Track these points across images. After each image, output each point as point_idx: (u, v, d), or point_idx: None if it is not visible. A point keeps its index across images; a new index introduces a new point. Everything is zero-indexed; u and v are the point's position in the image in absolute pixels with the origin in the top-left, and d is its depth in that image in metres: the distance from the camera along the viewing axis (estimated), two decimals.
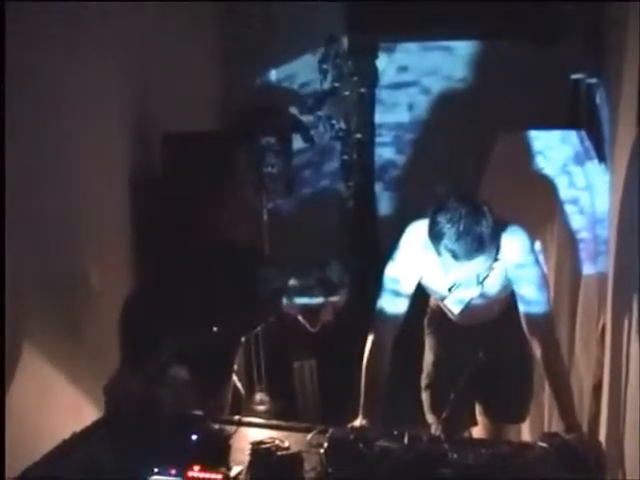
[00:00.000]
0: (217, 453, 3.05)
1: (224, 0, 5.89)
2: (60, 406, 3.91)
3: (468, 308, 3.37)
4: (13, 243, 3.41)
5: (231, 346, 3.72)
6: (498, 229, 3.03)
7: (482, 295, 3.27)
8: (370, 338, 3.31)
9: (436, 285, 3.36)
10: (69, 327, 3.99)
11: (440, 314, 3.70)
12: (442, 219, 2.94)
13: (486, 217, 2.95)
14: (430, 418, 3.80)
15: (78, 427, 3.29)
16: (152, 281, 3.80)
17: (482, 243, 2.93)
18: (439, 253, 2.99)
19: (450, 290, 3.21)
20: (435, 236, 2.97)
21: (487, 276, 3.13)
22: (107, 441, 3.20)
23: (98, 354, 4.08)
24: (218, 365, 3.58)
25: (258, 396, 5.20)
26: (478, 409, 3.85)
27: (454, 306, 3.38)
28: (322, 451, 3.03)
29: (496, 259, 3.08)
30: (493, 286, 3.27)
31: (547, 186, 4.42)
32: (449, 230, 2.91)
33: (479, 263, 3.00)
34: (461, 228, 2.90)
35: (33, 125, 3.65)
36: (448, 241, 2.92)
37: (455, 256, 2.94)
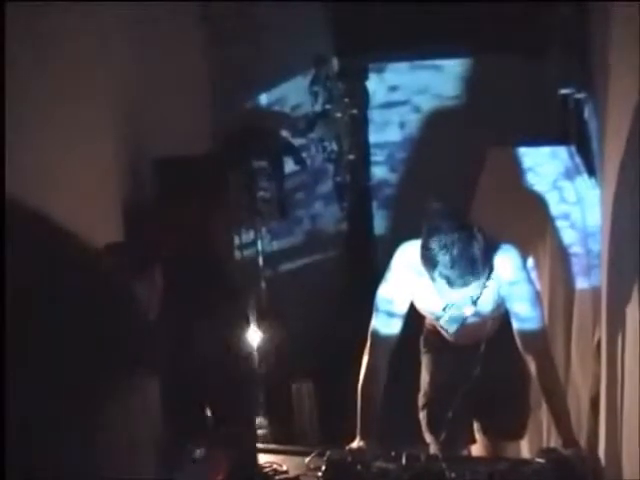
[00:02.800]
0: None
1: (213, 0, 5.90)
2: None
3: (463, 327, 3.36)
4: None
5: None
6: (490, 250, 3.03)
7: (476, 314, 3.27)
8: (365, 359, 3.31)
9: (429, 305, 3.36)
10: None
11: (435, 333, 3.70)
12: (435, 246, 2.92)
13: (478, 240, 2.94)
14: (428, 438, 3.79)
15: None
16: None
17: (476, 268, 2.92)
18: (433, 279, 2.98)
19: (444, 310, 3.19)
20: (428, 263, 2.96)
21: (480, 294, 3.13)
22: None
23: None
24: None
25: (256, 420, 5.19)
26: (476, 427, 3.84)
27: (449, 326, 3.36)
28: (320, 474, 3.02)
29: (489, 278, 3.07)
30: (487, 304, 3.27)
31: (538, 202, 4.43)
32: (443, 257, 2.90)
33: (474, 287, 3.00)
34: (455, 254, 2.89)
35: (25, 148, 3.66)
36: (443, 268, 2.90)
37: (450, 282, 2.94)
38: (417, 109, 6.48)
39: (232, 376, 3.39)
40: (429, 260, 2.95)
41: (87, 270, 0.83)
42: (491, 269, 3.04)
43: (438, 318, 3.41)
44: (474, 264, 2.91)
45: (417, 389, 3.87)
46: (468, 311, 3.17)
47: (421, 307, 3.42)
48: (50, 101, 3.90)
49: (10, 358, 0.72)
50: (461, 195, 4.71)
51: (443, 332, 3.60)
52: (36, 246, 0.81)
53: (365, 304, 3.44)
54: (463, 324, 3.33)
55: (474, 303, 3.13)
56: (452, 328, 3.37)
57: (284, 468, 3.05)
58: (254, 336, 4.91)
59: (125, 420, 0.75)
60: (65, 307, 0.77)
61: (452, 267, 2.90)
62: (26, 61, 3.64)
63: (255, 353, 4.93)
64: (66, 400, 0.72)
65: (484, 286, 3.08)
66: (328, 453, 3.14)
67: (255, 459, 3.15)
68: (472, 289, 3.00)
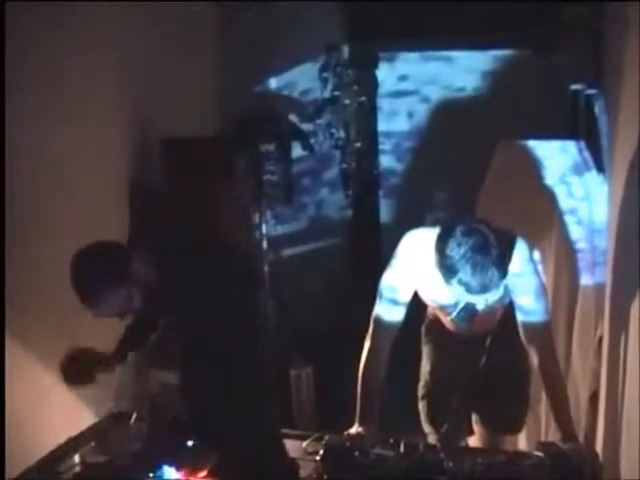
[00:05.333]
0: None
1: (226, 0, 5.90)
2: (56, 411, 3.90)
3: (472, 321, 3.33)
4: (11, 247, 3.42)
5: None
6: (504, 251, 3.00)
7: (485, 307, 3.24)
8: (367, 346, 3.30)
9: (434, 295, 3.34)
10: (64, 334, 3.98)
11: (437, 323, 3.69)
12: (454, 254, 2.90)
13: (494, 245, 2.92)
14: (427, 428, 3.80)
15: (73, 432, 3.29)
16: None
17: (495, 275, 2.91)
18: (449, 284, 2.95)
19: (456, 304, 3.15)
20: (448, 270, 2.93)
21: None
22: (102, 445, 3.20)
23: None
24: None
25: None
26: (474, 418, 3.84)
27: (460, 320, 3.30)
28: (318, 458, 3.03)
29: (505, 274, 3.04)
30: (495, 297, 3.24)
31: (546, 196, 4.42)
32: (464, 266, 2.88)
33: (492, 292, 2.99)
34: (475, 263, 2.87)
35: (32, 130, 3.66)
36: (463, 275, 2.89)
37: (469, 290, 2.93)
38: (426, 99, 6.48)
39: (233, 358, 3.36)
40: (448, 268, 2.92)
41: None
42: (506, 273, 3.01)
43: (443, 308, 3.39)
44: (494, 272, 2.90)
45: (417, 377, 3.86)
46: (480, 307, 3.14)
47: (426, 296, 3.41)
48: (55, 83, 3.90)
49: None
50: (468, 187, 4.72)
51: (447, 323, 3.59)
52: None
53: (368, 291, 3.43)
54: (473, 318, 3.29)
55: (486, 301, 3.11)
56: (462, 322, 3.32)
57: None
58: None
59: None
60: None
61: (473, 275, 2.88)
62: (29, 43, 3.64)
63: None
64: None
65: (500, 287, 3.06)
66: (326, 438, 3.14)
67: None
68: (489, 295, 2.99)
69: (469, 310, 3.08)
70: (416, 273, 3.24)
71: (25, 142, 3.61)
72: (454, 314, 3.13)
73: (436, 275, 3.01)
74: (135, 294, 3.04)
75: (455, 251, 2.90)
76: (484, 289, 2.93)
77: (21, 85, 3.53)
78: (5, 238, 3.40)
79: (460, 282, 2.91)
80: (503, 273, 2.97)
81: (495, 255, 2.91)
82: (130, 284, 3.02)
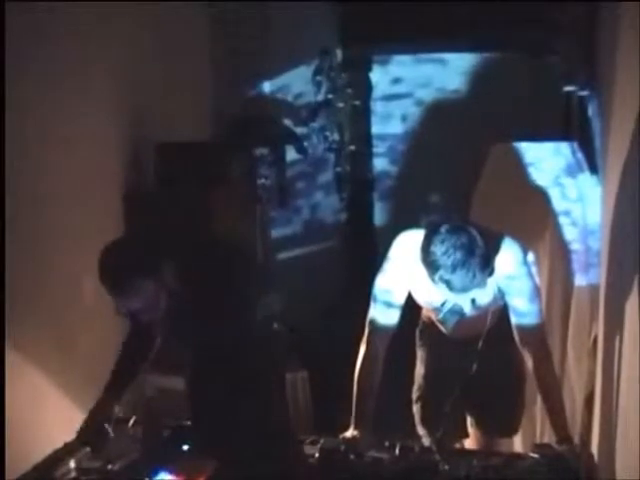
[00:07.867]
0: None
1: (220, 0, 5.90)
2: (52, 416, 3.90)
3: (460, 324, 3.34)
4: (10, 251, 3.42)
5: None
6: (491, 252, 3.01)
7: (474, 307, 3.25)
8: (362, 349, 3.30)
9: (427, 297, 3.34)
10: (62, 338, 3.99)
11: (432, 326, 3.69)
12: (436, 250, 2.91)
13: (479, 245, 2.93)
14: (421, 430, 3.79)
15: (69, 437, 3.28)
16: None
17: (477, 274, 2.91)
18: (433, 281, 2.97)
19: (443, 305, 3.18)
20: (430, 266, 2.95)
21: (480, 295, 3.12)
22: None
23: (91, 365, 4.08)
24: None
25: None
26: (469, 421, 3.84)
27: (446, 322, 3.32)
28: (313, 462, 3.02)
29: (490, 277, 3.05)
30: (485, 298, 3.26)
31: (539, 198, 4.43)
32: (444, 262, 2.89)
33: (474, 292, 3.00)
34: (456, 260, 2.88)
35: (27, 133, 3.66)
36: (444, 272, 2.90)
37: (450, 287, 2.94)
38: (420, 102, 6.50)
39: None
40: (430, 264, 2.94)
41: None
42: (491, 273, 3.03)
43: (433, 309, 3.40)
44: (475, 271, 2.91)
45: (412, 380, 3.86)
46: (467, 309, 3.16)
47: (419, 298, 3.41)
48: (53, 85, 3.90)
49: None
50: (462, 189, 4.72)
51: (440, 326, 3.59)
52: None
53: (363, 294, 3.44)
54: (460, 321, 3.31)
55: (473, 302, 3.13)
56: (449, 324, 3.34)
57: None
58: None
59: None
60: None
61: (453, 272, 2.89)
62: (29, 44, 3.64)
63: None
64: None
65: (484, 288, 3.07)
66: (322, 441, 3.14)
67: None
68: (472, 293, 3.01)
69: (455, 312, 3.12)
70: (409, 274, 3.24)
71: (24, 144, 3.61)
72: (441, 315, 3.17)
73: (426, 277, 3.02)
74: (163, 293, 3.01)
75: (438, 248, 2.91)
76: (465, 288, 2.95)
77: (20, 86, 3.53)
78: (5, 241, 3.40)
79: (441, 279, 2.93)
80: (486, 274, 2.98)
81: (478, 255, 2.91)
82: (160, 280, 2.99)
